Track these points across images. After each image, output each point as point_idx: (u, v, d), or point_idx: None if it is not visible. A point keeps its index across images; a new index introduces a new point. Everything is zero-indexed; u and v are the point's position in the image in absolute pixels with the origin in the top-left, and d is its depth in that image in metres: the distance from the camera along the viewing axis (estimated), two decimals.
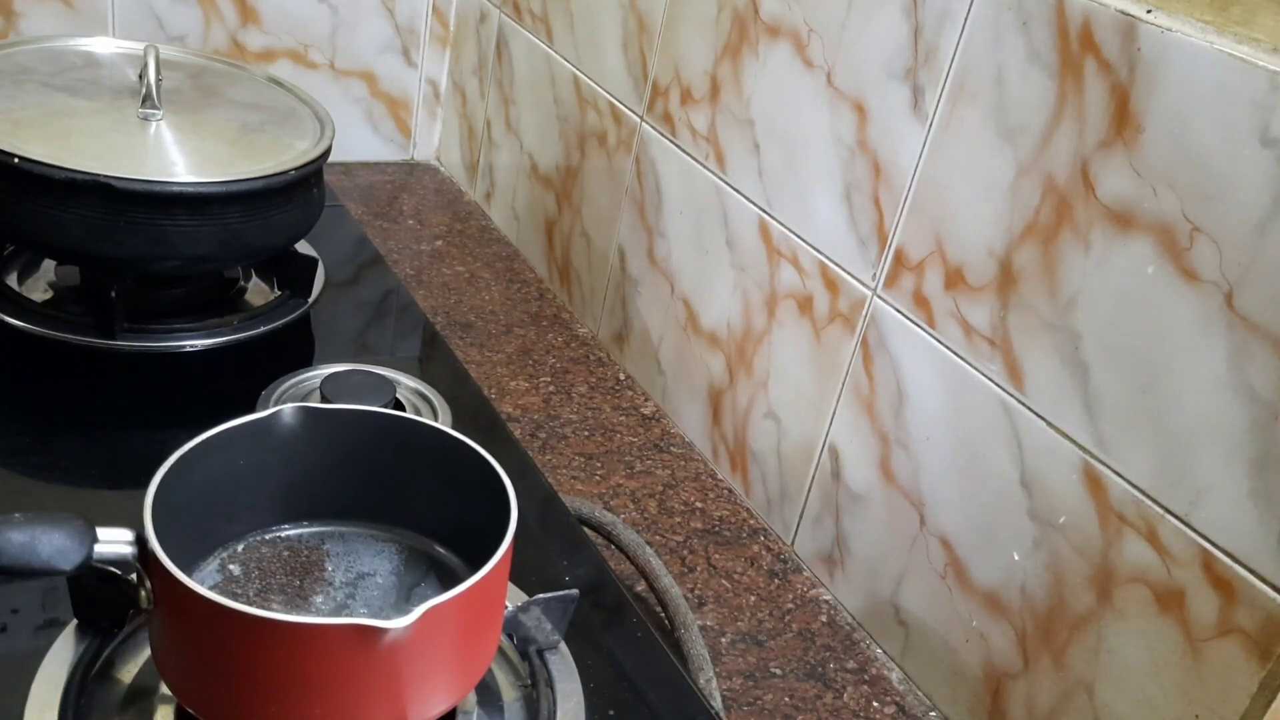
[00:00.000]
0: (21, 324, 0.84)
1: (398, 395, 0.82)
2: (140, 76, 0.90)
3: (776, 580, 0.96)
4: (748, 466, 1.05)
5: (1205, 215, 0.66)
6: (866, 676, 0.88)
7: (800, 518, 0.99)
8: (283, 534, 0.66)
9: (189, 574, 0.52)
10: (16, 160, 0.78)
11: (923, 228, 0.86)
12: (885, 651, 0.91)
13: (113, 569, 0.56)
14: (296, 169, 0.87)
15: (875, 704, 0.86)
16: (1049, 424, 0.77)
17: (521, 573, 0.63)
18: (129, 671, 0.60)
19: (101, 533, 0.54)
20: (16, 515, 0.54)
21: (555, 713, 0.62)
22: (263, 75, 1.02)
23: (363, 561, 0.65)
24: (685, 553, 0.97)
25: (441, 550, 0.67)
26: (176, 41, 1.39)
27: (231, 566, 0.63)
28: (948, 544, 0.85)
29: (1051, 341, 0.76)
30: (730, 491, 1.06)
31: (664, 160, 1.15)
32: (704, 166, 1.09)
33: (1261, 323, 0.64)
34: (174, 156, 0.86)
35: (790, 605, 0.94)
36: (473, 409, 0.90)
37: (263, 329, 0.91)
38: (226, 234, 0.85)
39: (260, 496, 0.65)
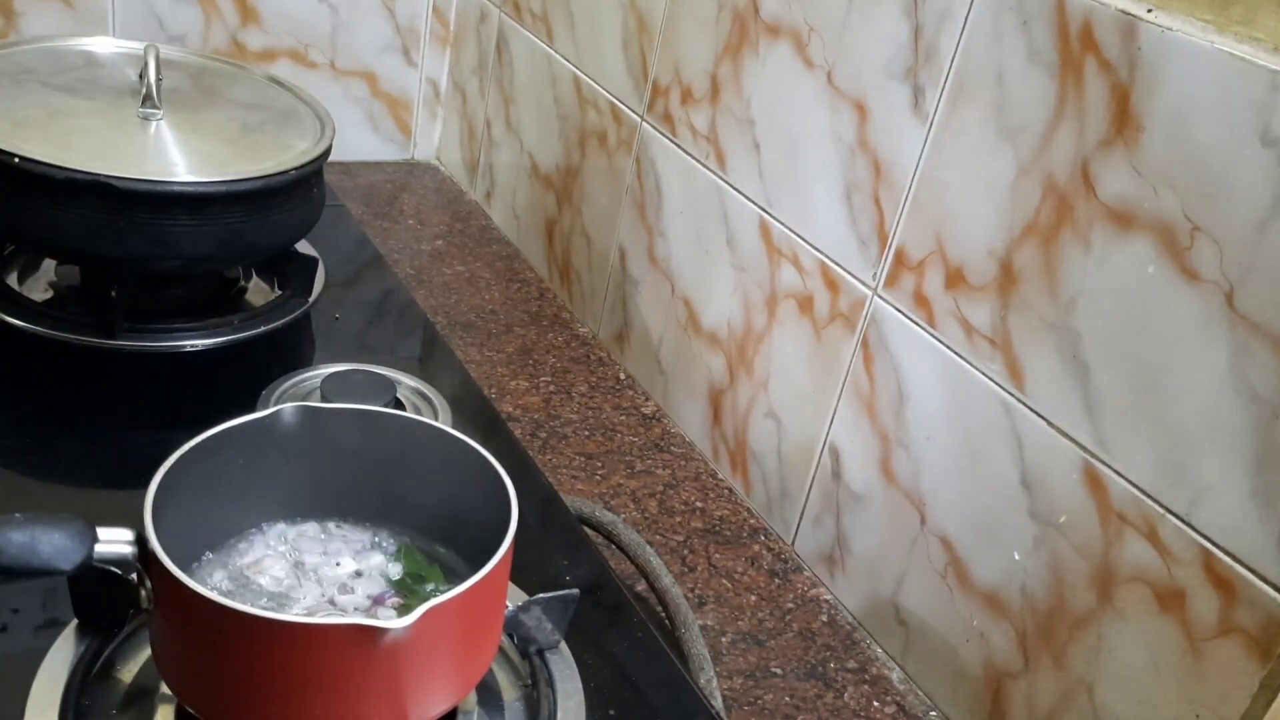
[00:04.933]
0: (22, 324, 0.84)
1: (398, 395, 0.82)
2: (140, 76, 0.90)
3: (777, 580, 0.96)
4: (748, 466, 1.05)
5: (1206, 215, 0.66)
6: (867, 676, 0.88)
7: (800, 517, 0.99)
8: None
9: (189, 573, 0.53)
10: (17, 160, 0.78)
11: (923, 227, 0.86)
12: (886, 651, 0.91)
13: (113, 569, 0.56)
14: (297, 169, 0.87)
15: (876, 703, 0.86)
16: (1049, 423, 0.77)
17: (522, 572, 0.63)
18: (129, 671, 0.60)
19: (102, 532, 0.54)
20: (17, 515, 0.54)
21: (556, 712, 0.62)
22: (263, 75, 1.02)
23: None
24: (686, 552, 0.97)
25: (442, 550, 0.67)
26: (176, 41, 1.39)
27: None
28: (948, 543, 0.85)
29: (1052, 341, 0.76)
30: (731, 491, 1.06)
31: (664, 160, 1.15)
32: (704, 166, 1.09)
33: (1262, 322, 0.64)
34: (174, 156, 0.86)
35: (791, 605, 0.94)
36: (473, 408, 0.90)
37: (263, 329, 0.91)
38: (227, 234, 0.85)
39: (260, 496, 0.65)
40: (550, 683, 0.64)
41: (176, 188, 0.81)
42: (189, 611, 0.52)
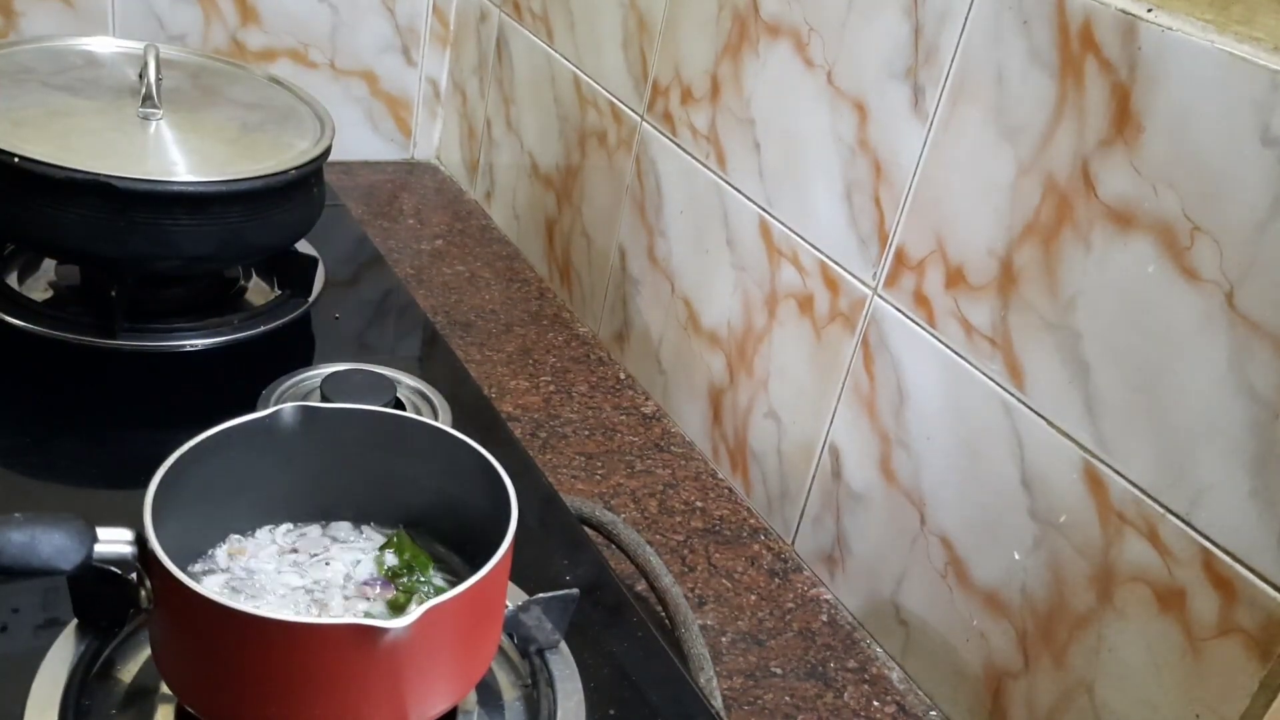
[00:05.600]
0: (22, 323, 0.84)
1: (398, 394, 0.82)
2: (140, 76, 0.90)
3: (777, 579, 0.96)
4: (748, 466, 1.05)
5: (1206, 214, 0.66)
6: (867, 676, 0.88)
7: (801, 517, 0.99)
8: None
9: (189, 573, 0.53)
10: (16, 160, 0.78)
11: (923, 227, 0.85)
12: (886, 651, 0.91)
13: (113, 568, 0.56)
14: (297, 168, 0.87)
15: (876, 703, 0.86)
16: (1049, 423, 0.77)
17: (522, 572, 0.63)
18: (129, 671, 0.60)
19: (101, 532, 0.54)
20: (17, 515, 0.54)
21: (556, 712, 0.62)
22: (263, 74, 1.02)
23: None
24: (686, 552, 0.97)
25: (442, 549, 0.67)
26: (176, 41, 1.39)
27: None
28: (948, 543, 0.85)
29: (1052, 341, 0.76)
30: (731, 491, 1.06)
31: (664, 159, 1.15)
32: (704, 166, 1.09)
33: (1262, 322, 0.64)
34: (174, 156, 0.86)
35: (791, 604, 0.94)
36: (473, 408, 0.90)
37: (263, 328, 0.91)
38: (227, 233, 0.85)
39: (260, 495, 0.65)
40: (550, 682, 0.64)
41: (176, 188, 0.81)
42: (189, 611, 0.52)
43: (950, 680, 0.85)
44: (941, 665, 0.86)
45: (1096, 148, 0.72)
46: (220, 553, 0.64)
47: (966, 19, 0.80)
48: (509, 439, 0.89)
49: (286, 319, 0.93)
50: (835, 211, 0.93)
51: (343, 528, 0.67)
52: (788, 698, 0.84)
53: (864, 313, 0.91)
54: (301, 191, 0.90)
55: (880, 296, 0.90)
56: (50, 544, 0.53)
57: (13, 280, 0.90)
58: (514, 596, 0.68)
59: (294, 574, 0.63)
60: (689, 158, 1.11)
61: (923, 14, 0.84)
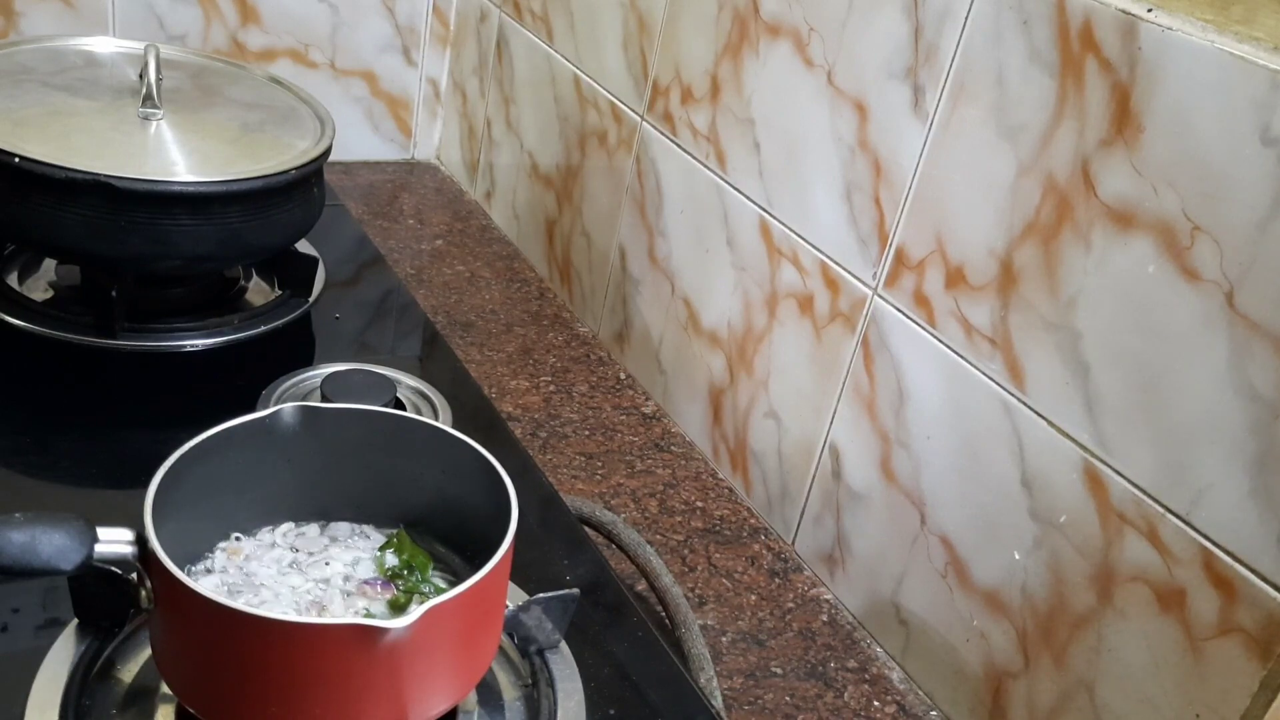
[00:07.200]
0: (22, 323, 0.84)
1: (398, 394, 0.82)
2: (140, 76, 0.90)
3: (777, 579, 0.96)
4: (748, 466, 1.05)
5: (1206, 214, 0.66)
6: (867, 676, 0.88)
7: (801, 517, 0.99)
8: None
9: (189, 573, 0.53)
10: (17, 160, 0.78)
11: (923, 227, 0.85)
12: (886, 651, 0.91)
13: (113, 569, 0.56)
14: (297, 168, 0.87)
15: (876, 703, 0.86)
16: (1050, 423, 0.77)
17: (522, 572, 0.63)
18: (129, 671, 0.60)
19: (102, 532, 0.54)
20: (17, 515, 0.54)
21: (556, 712, 0.62)
22: (263, 74, 1.02)
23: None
24: (686, 552, 0.97)
25: (442, 549, 0.67)
26: (177, 41, 1.39)
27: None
28: (948, 543, 0.85)
29: (1052, 341, 0.76)
30: (731, 491, 1.06)
31: (664, 159, 1.15)
32: (704, 166, 1.09)
33: (1262, 322, 0.64)
34: (174, 156, 0.86)
35: (791, 604, 0.94)
36: (473, 408, 0.90)
37: (263, 328, 0.91)
38: (227, 233, 0.85)
39: (260, 495, 0.65)
40: (550, 682, 0.64)
41: (176, 187, 0.81)
42: (189, 611, 0.52)
43: (950, 680, 0.85)
44: (941, 665, 0.86)
45: (1097, 148, 0.72)
46: (220, 553, 0.64)
47: (966, 19, 0.80)
48: (509, 439, 0.89)
49: (286, 319, 0.93)
50: (835, 211, 0.93)
51: (343, 528, 0.67)
52: (788, 698, 0.84)
53: (864, 313, 0.91)
54: (301, 191, 0.90)
55: (880, 296, 0.90)
56: (50, 544, 0.53)
57: (13, 280, 0.90)
58: (514, 596, 0.68)
59: (294, 574, 0.63)
60: (689, 158, 1.11)
61: (923, 14, 0.84)
